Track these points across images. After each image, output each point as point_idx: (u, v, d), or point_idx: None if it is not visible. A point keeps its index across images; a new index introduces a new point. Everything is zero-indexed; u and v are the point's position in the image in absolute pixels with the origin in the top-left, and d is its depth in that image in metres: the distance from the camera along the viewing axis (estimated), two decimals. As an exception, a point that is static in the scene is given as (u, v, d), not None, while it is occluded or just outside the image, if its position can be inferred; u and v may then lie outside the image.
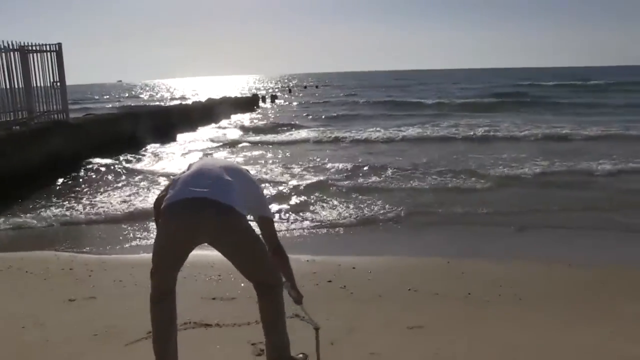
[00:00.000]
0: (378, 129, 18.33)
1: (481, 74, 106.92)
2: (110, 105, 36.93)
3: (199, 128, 19.75)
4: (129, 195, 8.84)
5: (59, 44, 11.19)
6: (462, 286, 4.41)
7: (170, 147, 15.26)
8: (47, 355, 3.19)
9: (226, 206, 2.45)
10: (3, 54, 10.30)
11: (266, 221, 2.81)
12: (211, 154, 13.40)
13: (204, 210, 2.43)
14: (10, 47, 10.40)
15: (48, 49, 11.13)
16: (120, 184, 9.83)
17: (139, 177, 10.57)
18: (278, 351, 2.72)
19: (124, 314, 3.79)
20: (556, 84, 49.67)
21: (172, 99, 44.11)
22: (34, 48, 10.90)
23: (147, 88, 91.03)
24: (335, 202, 8.00)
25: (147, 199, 8.33)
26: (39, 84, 11.15)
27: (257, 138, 17.43)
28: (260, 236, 2.76)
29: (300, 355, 2.94)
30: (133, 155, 13.05)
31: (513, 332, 3.45)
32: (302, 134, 18.39)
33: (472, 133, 16.55)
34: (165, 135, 16.13)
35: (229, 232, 2.51)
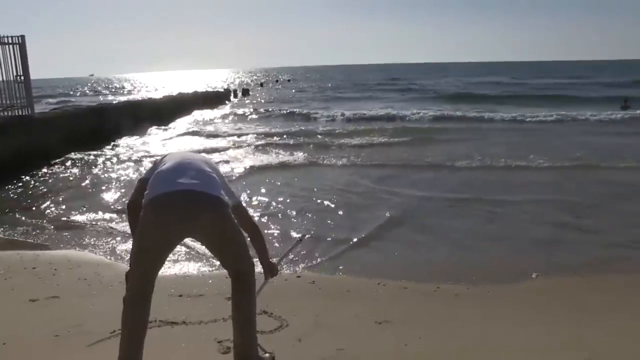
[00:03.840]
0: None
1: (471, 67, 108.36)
2: (77, 101, 36.04)
3: (170, 123, 19.50)
4: (96, 192, 8.64)
5: (22, 36, 10.81)
6: (431, 280, 4.45)
7: (139, 141, 15.00)
8: (5, 359, 3.09)
9: (216, 198, 2.47)
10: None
11: (239, 207, 2.81)
12: (179, 149, 13.13)
13: (197, 202, 2.42)
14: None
15: (10, 41, 10.78)
16: (87, 180, 9.58)
17: (105, 172, 10.33)
18: (249, 346, 2.69)
19: (88, 313, 3.71)
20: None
21: (138, 93, 43.21)
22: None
23: (120, 82, 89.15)
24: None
25: (115, 196, 8.18)
26: (1, 78, 10.79)
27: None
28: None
29: (267, 355, 2.90)
30: (100, 150, 12.78)
31: (481, 327, 3.48)
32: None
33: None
34: (134, 129, 15.87)
35: (222, 223, 2.51)
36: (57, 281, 4.55)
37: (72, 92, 58.22)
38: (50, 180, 9.64)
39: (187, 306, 3.86)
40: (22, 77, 11.08)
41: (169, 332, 3.41)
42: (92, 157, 11.83)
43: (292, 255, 3.40)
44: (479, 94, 32.22)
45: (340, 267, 4.91)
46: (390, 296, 4.10)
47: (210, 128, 18.54)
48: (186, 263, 5.02)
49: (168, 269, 4.70)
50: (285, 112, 23.92)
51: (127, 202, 2.80)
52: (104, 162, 11.36)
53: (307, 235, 3.04)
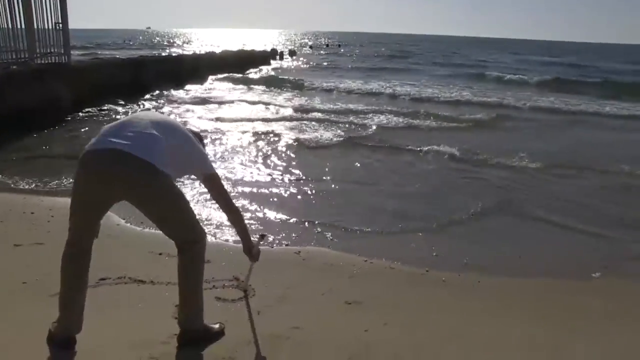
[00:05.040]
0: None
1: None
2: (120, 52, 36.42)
3: (209, 79, 19.66)
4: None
5: (62, -17, 10.95)
6: (420, 263, 4.24)
7: (175, 94, 15.18)
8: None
9: (143, 161, 2.27)
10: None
11: (210, 178, 2.67)
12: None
13: (116, 164, 2.26)
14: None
15: (50, -12, 10.89)
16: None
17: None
18: (191, 319, 2.62)
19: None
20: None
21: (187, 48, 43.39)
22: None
23: (174, 36, 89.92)
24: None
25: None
26: (42, 25, 10.96)
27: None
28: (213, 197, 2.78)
29: (217, 325, 2.82)
30: (133, 101, 13.02)
31: (460, 318, 3.29)
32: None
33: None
34: (172, 83, 16.03)
35: (142, 189, 2.34)
36: (49, 228, 4.58)
37: (130, 42, 59.31)
38: (80, 127, 9.85)
39: (161, 266, 3.79)
40: (61, 25, 11.23)
41: (133, 289, 3.37)
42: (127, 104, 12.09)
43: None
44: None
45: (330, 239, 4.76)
46: (372, 275, 3.92)
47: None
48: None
49: (151, 226, 4.67)
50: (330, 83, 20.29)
51: None
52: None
53: (266, 235, 2.89)
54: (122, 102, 12.66)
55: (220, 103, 14.25)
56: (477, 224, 5.44)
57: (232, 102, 14.61)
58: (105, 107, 11.96)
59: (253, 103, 14.41)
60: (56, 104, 10.44)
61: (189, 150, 2.58)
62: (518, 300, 3.66)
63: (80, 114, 11.23)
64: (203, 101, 14.28)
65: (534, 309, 3.50)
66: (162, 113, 2.82)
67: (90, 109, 11.57)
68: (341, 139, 9.83)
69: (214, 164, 2.81)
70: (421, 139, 9.84)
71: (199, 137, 2.76)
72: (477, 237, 5.10)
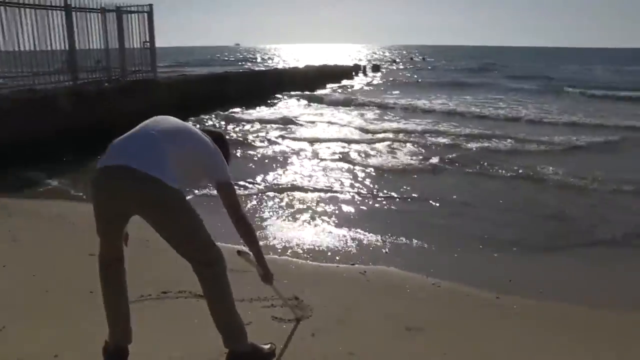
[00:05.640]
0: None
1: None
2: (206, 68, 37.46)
3: (289, 94, 19.84)
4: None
5: (150, 5, 11.58)
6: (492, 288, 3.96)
7: (254, 112, 15.42)
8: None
9: (149, 177, 2.21)
10: (100, 15, 10.85)
11: (224, 186, 2.52)
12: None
13: (124, 180, 2.24)
14: (107, 7, 10.93)
15: (141, 10, 11.56)
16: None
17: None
18: (228, 340, 2.53)
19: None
20: None
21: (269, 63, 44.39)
22: (128, 9, 11.38)
23: (261, 52, 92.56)
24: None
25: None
26: (131, 45, 11.66)
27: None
28: (226, 206, 2.56)
29: (268, 346, 2.73)
30: (212, 116, 13.48)
31: (528, 354, 3.01)
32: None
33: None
34: (254, 98, 16.40)
35: (151, 206, 2.29)
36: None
37: (218, 56, 61.53)
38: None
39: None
40: (149, 44, 11.87)
41: (192, 305, 3.37)
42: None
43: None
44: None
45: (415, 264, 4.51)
46: (437, 300, 3.70)
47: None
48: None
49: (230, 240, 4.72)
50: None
51: None
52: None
53: (243, 251, 2.60)
54: (205, 117, 13.13)
55: (299, 120, 13.92)
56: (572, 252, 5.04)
57: (314, 122, 13.94)
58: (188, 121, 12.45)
59: (333, 123, 13.77)
60: (143, 118, 10.97)
61: (202, 156, 2.48)
62: (600, 335, 3.30)
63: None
64: (284, 119, 13.86)
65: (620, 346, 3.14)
66: (185, 122, 2.67)
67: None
68: (435, 160, 9.06)
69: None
70: (528, 163, 8.90)
71: (221, 138, 2.65)
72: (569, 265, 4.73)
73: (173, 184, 2.26)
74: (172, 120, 2.52)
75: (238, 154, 9.35)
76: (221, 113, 14.17)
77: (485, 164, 8.80)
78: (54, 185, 7.21)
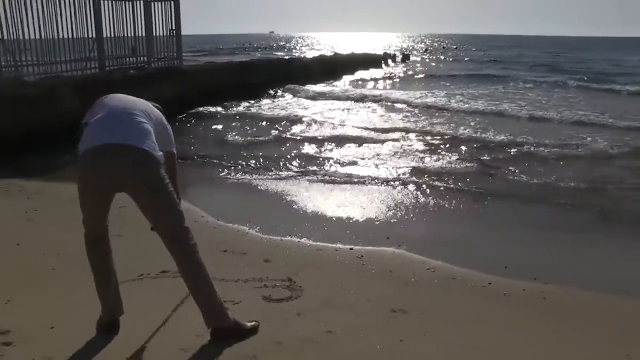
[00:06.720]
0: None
1: None
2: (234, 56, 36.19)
3: (317, 82, 19.65)
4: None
5: (177, -7, 11.76)
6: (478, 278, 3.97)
7: (281, 100, 15.44)
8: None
9: (143, 152, 2.40)
10: (129, 3, 11.07)
11: (172, 156, 2.80)
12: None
13: (120, 157, 2.39)
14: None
15: (167, -2, 11.74)
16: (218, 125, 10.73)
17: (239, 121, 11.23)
18: (210, 319, 2.66)
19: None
20: None
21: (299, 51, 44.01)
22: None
23: (294, 40, 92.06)
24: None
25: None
26: (158, 33, 11.86)
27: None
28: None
29: (252, 323, 2.84)
30: (237, 103, 13.64)
31: (498, 335, 3.04)
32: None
33: None
34: (282, 86, 16.38)
35: (146, 180, 2.45)
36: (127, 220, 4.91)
37: (249, 44, 61.77)
38: (185, 128, 10.56)
39: (220, 262, 3.88)
40: (175, 31, 12.06)
41: (178, 283, 3.49)
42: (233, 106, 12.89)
43: None
44: None
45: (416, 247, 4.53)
46: (429, 284, 3.75)
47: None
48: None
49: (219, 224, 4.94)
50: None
51: None
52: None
53: None
54: (227, 104, 13.24)
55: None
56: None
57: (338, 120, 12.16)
58: (212, 109, 12.59)
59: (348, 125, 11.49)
60: (168, 104, 11.20)
61: (165, 131, 2.74)
62: (590, 320, 3.30)
63: (195, 110, 12.16)
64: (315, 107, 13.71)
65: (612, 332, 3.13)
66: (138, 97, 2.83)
67: (200, 108, 12.31)
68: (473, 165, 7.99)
69: None
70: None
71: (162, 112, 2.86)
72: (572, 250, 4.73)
73: (156, 153, 2.45)
74: (130, 98, 2.71)
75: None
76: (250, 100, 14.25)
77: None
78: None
